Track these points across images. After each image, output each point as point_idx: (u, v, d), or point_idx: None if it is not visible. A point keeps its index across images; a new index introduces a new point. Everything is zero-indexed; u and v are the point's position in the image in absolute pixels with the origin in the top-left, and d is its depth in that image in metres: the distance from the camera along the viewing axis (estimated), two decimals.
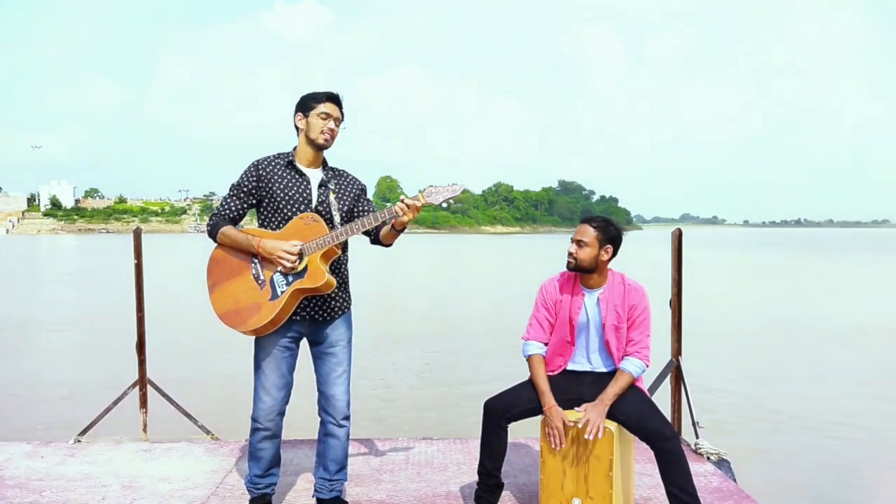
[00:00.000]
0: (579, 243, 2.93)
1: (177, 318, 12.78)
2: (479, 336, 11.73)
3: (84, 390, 7.76)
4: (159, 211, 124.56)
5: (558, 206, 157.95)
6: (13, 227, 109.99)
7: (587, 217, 3.03)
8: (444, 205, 2.75)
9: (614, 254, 2.98)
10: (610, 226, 2.98)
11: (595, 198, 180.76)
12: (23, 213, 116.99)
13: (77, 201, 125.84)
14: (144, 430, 4.29)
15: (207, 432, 4.32)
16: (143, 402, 4.30)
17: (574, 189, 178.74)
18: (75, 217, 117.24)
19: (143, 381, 4.30)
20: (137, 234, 4.34)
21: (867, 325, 13.14)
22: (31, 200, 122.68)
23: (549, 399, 2.91)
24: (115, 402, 4.29)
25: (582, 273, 2.99)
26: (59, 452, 3.90)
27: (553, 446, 2.84)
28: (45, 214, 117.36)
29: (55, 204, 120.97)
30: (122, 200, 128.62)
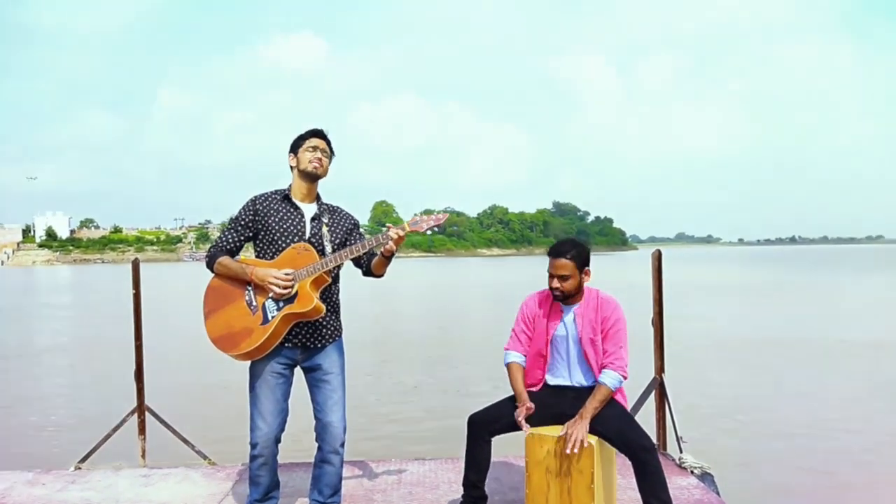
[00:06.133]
0: (562, 278, 3.03)
1: (174, 345, 12.86)
2: (472, 357, 11.80)
3: (83, 418, 7.81)
4: (155, 240, 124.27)
5: (553, 227, 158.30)
6: (8, 258, 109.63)
7: (558, 250, 3.07)
8: (429, 231, 2.92)
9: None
10: (581, 249, 3.08)
11: (590, 219, 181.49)
12: (18, 244, 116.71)
13: (72, 231, 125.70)
14: (143, 456, 4.38)
15: (205, 457, 4.41)
16: (142, 429, 4.40)
17: (569, 210, 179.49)
18: (70, 248, 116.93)
19: (141, 408, 4.40)
20: (136, 266, 4.48)
21: (855, 339, 13.23)
22: (27, 231, 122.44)
23: (524, 399, 3.06)
24: (115, 430, 4.38)
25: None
26: (60, 480, 3.99)
27: (526, 414, 3.00)
28: (41, 245, 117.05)
29: (50, 235, 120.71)
30: (117, 230, 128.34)
